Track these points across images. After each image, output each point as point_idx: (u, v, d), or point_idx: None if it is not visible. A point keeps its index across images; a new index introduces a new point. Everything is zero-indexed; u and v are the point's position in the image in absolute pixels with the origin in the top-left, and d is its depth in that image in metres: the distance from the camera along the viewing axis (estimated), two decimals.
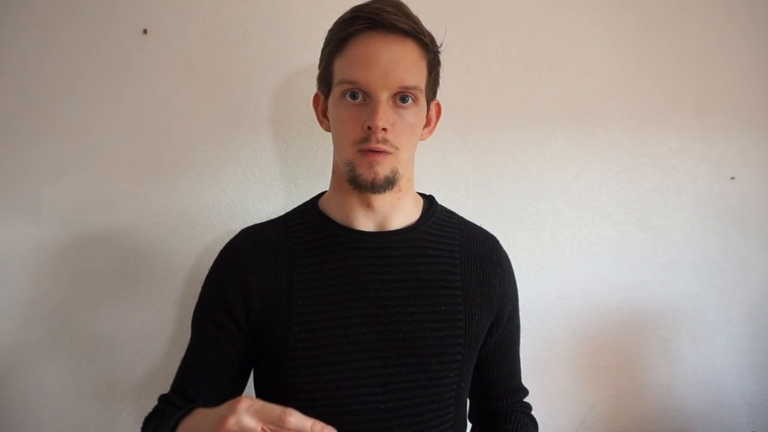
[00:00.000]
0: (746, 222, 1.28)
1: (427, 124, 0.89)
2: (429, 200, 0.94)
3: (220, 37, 1.10)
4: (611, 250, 1.24)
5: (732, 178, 1.27)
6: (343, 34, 0.79)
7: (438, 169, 1.18)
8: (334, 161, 0.88)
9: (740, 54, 1.27)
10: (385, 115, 0.77)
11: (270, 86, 1.12)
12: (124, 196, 1.08)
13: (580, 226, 1.23)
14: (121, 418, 1.10)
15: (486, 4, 1.19)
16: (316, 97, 0.90)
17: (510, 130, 1.20)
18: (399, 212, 0.87)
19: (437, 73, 0.86)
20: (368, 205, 0.85)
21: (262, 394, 0.88)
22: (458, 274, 0.86)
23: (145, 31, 1.08)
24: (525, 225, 1.21)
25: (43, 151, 1.06)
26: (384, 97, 0.77)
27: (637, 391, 1.26)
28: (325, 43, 0.84)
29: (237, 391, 0.88)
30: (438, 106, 0.91)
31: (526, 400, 0.98)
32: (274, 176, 1.14)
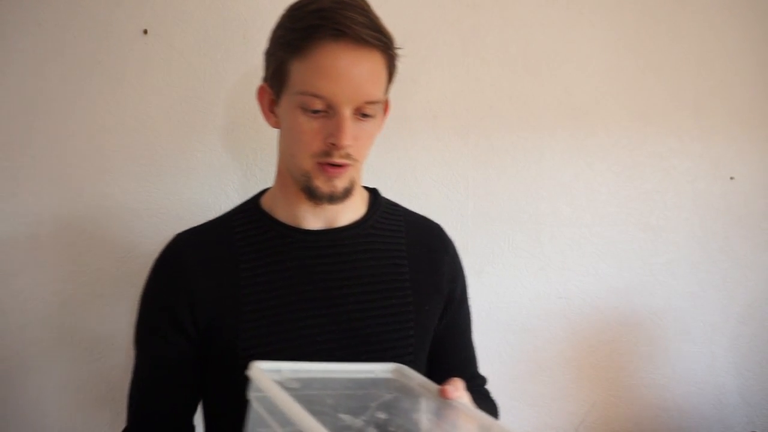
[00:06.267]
0: (746, 222, 1.28)
1: None
2: (373, 193, 0.92)
3: (220, 37, 1.10)
4: (611, 250, 1.24)
5: (732, 178, 1.28)
6: (306, 43, 0.72)
7: (438, 169, 1.18)
8: (282, 162, 0.85)
9: (739, 54, 1.27)
10: (351, 131, 0.74)
11: None
12: (124, 196, 1.08)
13: (580, 226, 1.23)
14: (121, 418, 1.10)
15: (486, 4, 1.18)
16: (261, 90, 0.83)
17: (510, 130, 1.20)
18: (348, 209, 0.85)
19: (393, 75, 0.81)
20: (317, 205, 0.82)
21: (210, 399, 0.86)
22: (406, 266, 0.86)
23: (145, 31, 1.08)
24: (525, 225, 1.21)
25: (43, 151, 1.06)
26: (349, 112, 0.73)
27: (637, 390, 1.26)
28: (277, 37, 0.77)
29: (199, 396, 0.86)
30: (386, 102, 0.84)
31: (487, 387, 0.94)
32: (274, 176, 1.13)
